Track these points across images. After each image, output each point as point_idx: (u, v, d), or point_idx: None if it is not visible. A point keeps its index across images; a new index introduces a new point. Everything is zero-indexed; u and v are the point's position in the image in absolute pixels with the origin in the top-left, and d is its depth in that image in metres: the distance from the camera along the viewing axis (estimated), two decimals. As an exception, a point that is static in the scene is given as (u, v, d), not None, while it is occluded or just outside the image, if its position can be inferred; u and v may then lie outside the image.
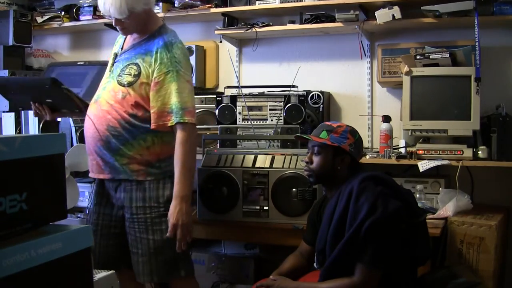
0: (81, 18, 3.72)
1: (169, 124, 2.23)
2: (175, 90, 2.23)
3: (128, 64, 2.31)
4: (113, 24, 2.31)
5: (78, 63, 2.55)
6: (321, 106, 3.21)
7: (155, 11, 3.51)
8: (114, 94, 2.31)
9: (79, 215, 3.11)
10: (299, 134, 2.35)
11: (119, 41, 2.49)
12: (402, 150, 2.98)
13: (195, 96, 3.37)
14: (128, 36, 2.42)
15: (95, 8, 3.67)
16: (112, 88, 2.33)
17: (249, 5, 3.36)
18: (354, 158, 2.16)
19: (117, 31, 2.33)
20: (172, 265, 2.33)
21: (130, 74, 2.28)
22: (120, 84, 2.30)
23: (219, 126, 3.08)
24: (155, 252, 2.30)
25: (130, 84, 2.28)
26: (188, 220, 2.25)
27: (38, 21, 3.80)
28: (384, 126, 2.98)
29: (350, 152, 2.13)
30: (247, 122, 3.06)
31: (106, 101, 2.32)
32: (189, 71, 2.33)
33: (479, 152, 2.79)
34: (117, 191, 2.37)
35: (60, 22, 3.77)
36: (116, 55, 2.39)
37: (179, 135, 2.24)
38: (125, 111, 2.27)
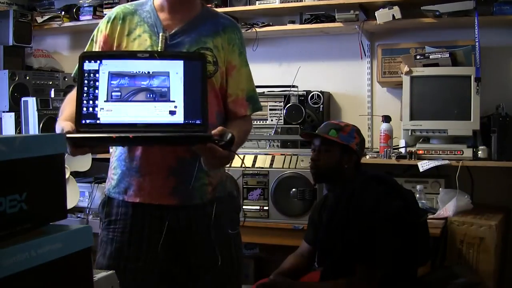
0: (81, 18, 3.73)
1: (245, 114, 1.80)
2: (250, 75, 1.85)
3: (198, 50, 1.75)
4: None
5: (139, 55, 1.64)
6: (321, 106, 3.21)
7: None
8: None
9: (79, 215, 3.11)
10: (309, 131, 2.33)
11: (132, 21, 1.78)
12: (402, 150, 2.98)
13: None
14: (161, 14, 1.78)
15: (95, 8, 3.67)
16: None
17: (249, 5, 3.36)
18: (359, 157, 2.17)
19: None
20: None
21: (210, 62, 1.74)
22: None
23: (219, 126, 3.08)
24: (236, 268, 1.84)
25: (212, 74, 1.74)
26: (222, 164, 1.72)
27: (38, 21, 3.80)
28: (384, 126, 2.98)
29: (356, 151, 2.14)
30: (247, 122, 3.06)
31: None
32: None
33: (479, 152, 2.79)
34: (169, 217, 1.72)
35: (60, 22, 3.78)
36: (165, 38, 1.73)
37: (249, 121, 1.87)
38: (213, 110, 1.75)
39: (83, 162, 2.75)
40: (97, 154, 3.26)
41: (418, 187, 2.80)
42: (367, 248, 1.93)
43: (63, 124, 1.57)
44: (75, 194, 2.74)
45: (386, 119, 3.00)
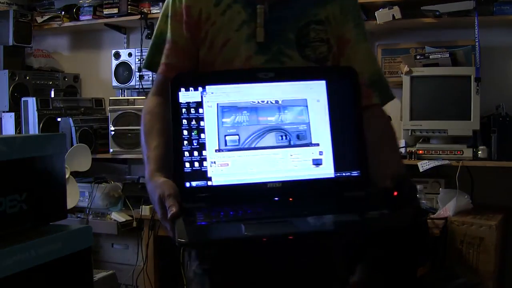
0: (81, 18, 3.72)
1: (370, 103, 1.31)
2: (371, 53, 1.40)
3: (306, 25, 1.31)
4: None
5: (260, 75, 1.16)
6: (321, 106, 3.21)
7: (155, 11, 3.53)
8: None
9: (79, 215, 3.11)
10: None
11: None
12: (402, 150, 2.98)
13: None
14: None
15: (95, 8, 3.67)
16: None
17: (249, 5, 3.35)
18: None
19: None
20: None
21: (322, 41, 1.31)
22: (312, 59, 1.30)
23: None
24: None
25: (326, 57, 1.31)
26: None
27: (38, 21, 3.80)
28: (384, 126, 2.98)
29: None
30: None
31: None
32: None
33: (479, 152, 2.79)
34: None
35: (60, 22, 3.77)
36: (265, 11, 1.28)
37: (383, 113, 1.36)
38: None
39: (83, 162, 2.75)
40: (97, 154, 3.27)
41: (418, 187, 2.80)
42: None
43: (161, 187, 1.06)
44: (75, 194, 2.73)
45: (386, 119, 3.00)
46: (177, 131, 1.07)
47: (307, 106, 1.10)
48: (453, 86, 2.85)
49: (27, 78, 3.51)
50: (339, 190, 1.08)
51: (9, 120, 3.38)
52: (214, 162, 1.07)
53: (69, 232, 1.26)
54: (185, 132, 1.07)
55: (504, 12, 2.85)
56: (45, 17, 3.80)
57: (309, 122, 1.10)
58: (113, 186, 3.21)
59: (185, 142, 1.07)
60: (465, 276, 2.35)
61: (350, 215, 1.00)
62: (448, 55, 2.86)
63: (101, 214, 3.10)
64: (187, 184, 1.06)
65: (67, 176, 2.64)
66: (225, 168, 1.07)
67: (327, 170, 1.08)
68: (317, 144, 1.09)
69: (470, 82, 2.78)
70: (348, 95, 1.12)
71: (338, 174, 1.09)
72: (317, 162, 1.09)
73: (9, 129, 3.37)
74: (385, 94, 1.36)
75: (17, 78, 3.44)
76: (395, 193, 1.04)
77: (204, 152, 1.07)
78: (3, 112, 3.42)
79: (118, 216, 3.04)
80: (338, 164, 1.09)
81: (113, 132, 3.24)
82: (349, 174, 1.10)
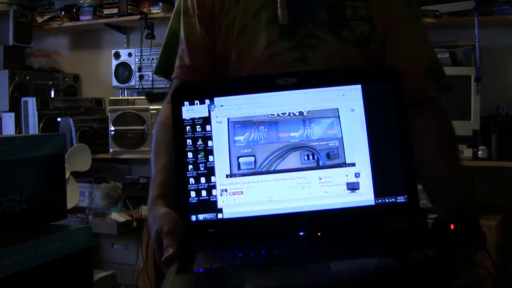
0: (81, 18, 3.72)
1: (427, 96, 1.12)
2: (426, 35, 1.18)
3: (341, 1, 1.09)
4: None
5: (279, 81, 0.90)
6: (321, 106, 3.20)
7: (155, 11, 3.53)
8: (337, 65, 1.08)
9: (79, 215, 3.11)
10: None
11: None
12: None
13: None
14: None
15: (95, 8, 3.67)
16: (325, 53, 1.07)
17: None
18: None
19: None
20: None
21: (362, 19, 1.09)
22: (350, 41, 1.08)
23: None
24: None
25: (368, 38, 1.09)
26: None
27: (38, 21, 3.80)
28: (384, 126, 2.98)
29: None
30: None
31: None
32: None
33: (479, 152, 2.79)
34: None
35: (60, 22, 3.77)
36: None
37: (443, 111, 1.15)
38: None
39: (83, 162, 2.75)
40: (97, 154, 3.27)
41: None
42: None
43: (160, 221, 0.90)
44: (75, 194, 2.73)
45: (386, 119, 3.00)
46: (180, 154, 0.89)
47: (338, 117, 0.90)
48: (453, 86, 2.84)
49: (27, 78, 3.51)
50: (380, 221, 0.89)
51: (9, 120, 3.38)
52: (225, 190, 0.89)
53: (69, 232, 1.26)
54: (190, 155, 0.89)
55: (504, 12, 2.85)
56: (45, 17, 3.80)
57: (341, 137, 0.90)
58: (113, 186, 3.21)
59: (190, 167, 0.89)
60: (465, 276, 2.35)
61: (385, 259, 0.76)
62: (448, 55, 2.87)
63: (101, 214, 3.10)
64: (193, 218, 0.89)
65: (67, 176, 2.64)
66: (239, 197, 0.89)
67: (365, 196, 0.89)
68: (353, 164, 0.89)
69: (470, 82, 2.78)
70: (390, 101, 0.90)
71: (380, 201, 0.90)
72: (352, 187, 0.89)
73: (9, 129, 3.37)
74: (444, 86, 1.14)
75: (17, 78, 3.44)
76: (452, 227, 0.87)
77: (213, 178, 0.89)
78: (3, 112, 3.42)
79: (118, 216, 3.05)
80: (380, 188, 0.90)
81: (113, 132, 3.24)
82: (393, 200, 0.92)
